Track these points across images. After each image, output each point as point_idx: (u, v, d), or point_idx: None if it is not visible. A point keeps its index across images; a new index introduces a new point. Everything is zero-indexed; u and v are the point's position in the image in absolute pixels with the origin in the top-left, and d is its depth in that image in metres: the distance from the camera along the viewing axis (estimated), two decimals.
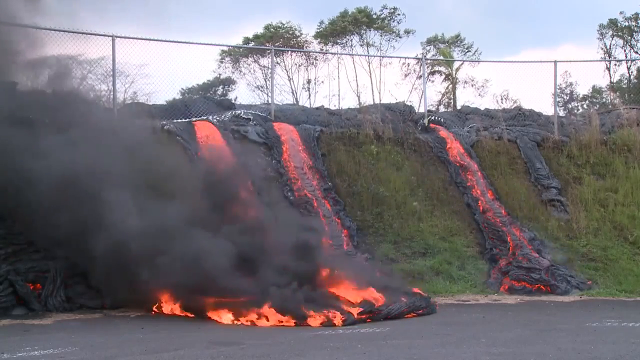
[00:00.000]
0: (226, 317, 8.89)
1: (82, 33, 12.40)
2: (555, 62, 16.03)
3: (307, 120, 14.86)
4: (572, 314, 9.94)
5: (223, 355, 6.65)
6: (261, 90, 22.48)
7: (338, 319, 8.66)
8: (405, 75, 22.77)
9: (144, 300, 9.53)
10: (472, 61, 23.07)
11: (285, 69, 22.43)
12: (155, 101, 14.98)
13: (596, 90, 25.28)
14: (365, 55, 22.32)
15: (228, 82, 24.04)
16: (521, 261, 12.36)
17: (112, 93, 13.13)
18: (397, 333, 8.05)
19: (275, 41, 22.17)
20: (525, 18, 41.24)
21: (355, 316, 8.84)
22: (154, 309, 9.59)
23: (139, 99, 15.92)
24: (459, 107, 19.30)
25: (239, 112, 14.32)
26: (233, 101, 16.54)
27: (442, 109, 21.89)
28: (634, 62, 24.47)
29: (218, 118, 13.86)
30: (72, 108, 10.65)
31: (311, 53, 22.44)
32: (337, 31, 23.22)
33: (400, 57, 23.64)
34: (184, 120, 13.54)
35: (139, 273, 9.02)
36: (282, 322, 8.66)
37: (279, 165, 13.21)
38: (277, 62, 21.36)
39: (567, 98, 24.79)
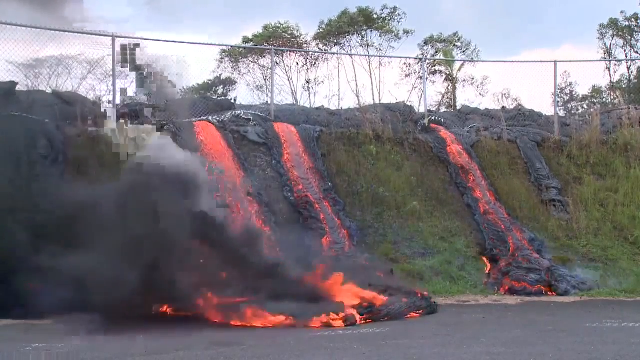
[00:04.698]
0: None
1: (82, 33, 12.41)
2: (555, 62, 16.04)
3: (307, 121, 14.85)
4: (572, 314, 9.94)
5: (223, 357, 6.65)
6: (261, 91, 22.46)
7: (338, 320, 8.65)
8: (406, 76, 22.74)
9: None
10: (472, 61, 23.04)
11: (285, 69, 22.41)
12: (155, 101, 14.96)
13: (596, 90, 25.24)
14: (365, 56, 22.30)
15: (228, 82, 24.00)
16: (521, 262, 12.36)
17: (112, 93, 13.16)
18: (397, 333, 8.05)
19: (275, 41, 22.15)
20: (525, 18, 41.22)
21: (355, 316, 8.83)
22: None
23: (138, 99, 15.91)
24: (459, 107, 19.29)
25: (239, 112, 14.32)
26: (233, 101, 16.53)
27: (442, 109, 21.86)
28: (634, 62, 24.45)
29: (218, 118, 13.86)
30: None
31: (311, 53, 22.42)
32: (334, 32, 23.20)
33: (401, 57, 23.62)
34: (184, 120, 13.53)
35: None
36: (282, 322, 8.64)
37: (279, 166, 13.21)
38: (277, 62, 21.34)
39: (567, 98, 24.77)
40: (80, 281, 8.41)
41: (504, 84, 20.95)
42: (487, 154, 14.86)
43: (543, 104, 21.46)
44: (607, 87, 24.84)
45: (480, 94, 23.16)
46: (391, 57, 22.79)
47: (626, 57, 24.88)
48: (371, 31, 23.56)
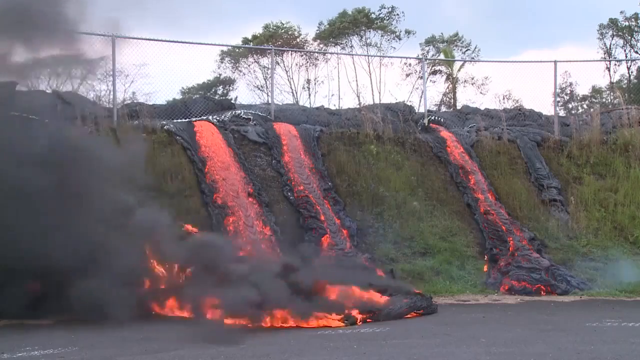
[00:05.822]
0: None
1: (82, 33, 12.40)
2: (555, 62, 16.04)
3: (307, 120, 14.85)
4: (572, 314, 9.94)
5: (223, 355, 6.65)
6: (261, 90, 22.51)
7: (338, 320, 8.65)
8: (407, 76, 22.78)
9: None
10: (473, 61, 23.08)
11: (285, 69, 22.44)
12: (155, 101, 15.03)
13: (596, 90, 25.27)
14: (365, 55, 22.33)
15: (228, 82, 24.05)
16: (521, 261, 12.35)
17: (112, 93, 13.17)
18: (397, 333, 8.05)
19: (275, 41, 22.17)
20: (525, 18, 41.29)
21: (355, 316, 8.83)
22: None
23: (138, 98, 15.98)
24: (459, 107, 19.30)
25: (239, 112, 14.33)
26: (233, 101, 16.54)
27: (442, 109, 21.89)
28: (634, 62, 24.47)
29: (218, 118, 13.87)
30: None
31: (311, 53, 22.44)
32: (335, 32, 23.23)
33: (401, 57, 23.68)
34: (184, 120, 13.55)
35: None
36: (282, 322, 8.64)
37: (279, 166, 13.21)
38: (277, 62, 21.36)
39: (567, 98, 24.81)
40: None
41: (504, 84, 21.03)
42: (487, 154, 14.86)
43: (543, 104, 21.50)
44: (607, 87, 24.88)
45: (481, 93, 23.23)
46: (391, 57, 22.89)
47: (626, 57, 24.92)
48: (370, 31, 23.60)
